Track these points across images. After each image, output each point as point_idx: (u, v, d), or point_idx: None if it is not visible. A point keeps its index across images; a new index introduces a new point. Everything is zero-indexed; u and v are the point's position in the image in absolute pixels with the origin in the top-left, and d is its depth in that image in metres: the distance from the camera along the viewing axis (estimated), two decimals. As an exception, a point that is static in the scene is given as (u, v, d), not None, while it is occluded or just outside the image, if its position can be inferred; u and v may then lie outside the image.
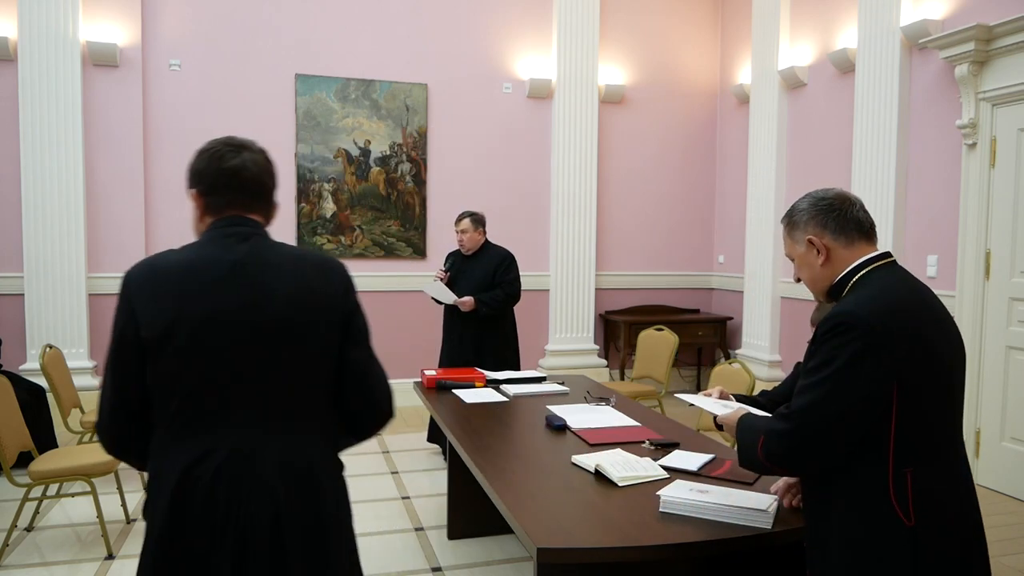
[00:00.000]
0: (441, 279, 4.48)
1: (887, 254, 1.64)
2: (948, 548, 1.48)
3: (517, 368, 4.50)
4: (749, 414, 1.73)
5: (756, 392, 3.09)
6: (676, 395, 2.29)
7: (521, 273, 4.56)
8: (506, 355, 4.48)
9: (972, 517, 1.54)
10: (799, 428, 1.51)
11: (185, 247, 1.48)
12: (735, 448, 1.73)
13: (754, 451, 1.58)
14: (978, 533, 1.55)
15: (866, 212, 1.67)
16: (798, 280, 1.75)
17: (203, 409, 1.36)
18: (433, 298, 4.51)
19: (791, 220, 1.70)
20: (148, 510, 1.39)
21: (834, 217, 1.63)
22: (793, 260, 1.72)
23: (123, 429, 1.42)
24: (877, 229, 1.75)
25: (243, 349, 1.37)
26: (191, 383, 1.36)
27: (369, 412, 1.52)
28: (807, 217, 1.65)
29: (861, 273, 1.60)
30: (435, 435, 4.72)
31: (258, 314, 1.38)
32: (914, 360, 1.48)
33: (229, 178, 1.51)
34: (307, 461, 1.41)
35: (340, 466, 1.51)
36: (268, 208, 1.63)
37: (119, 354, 1.40)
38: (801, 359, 2.33)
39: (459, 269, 4.54)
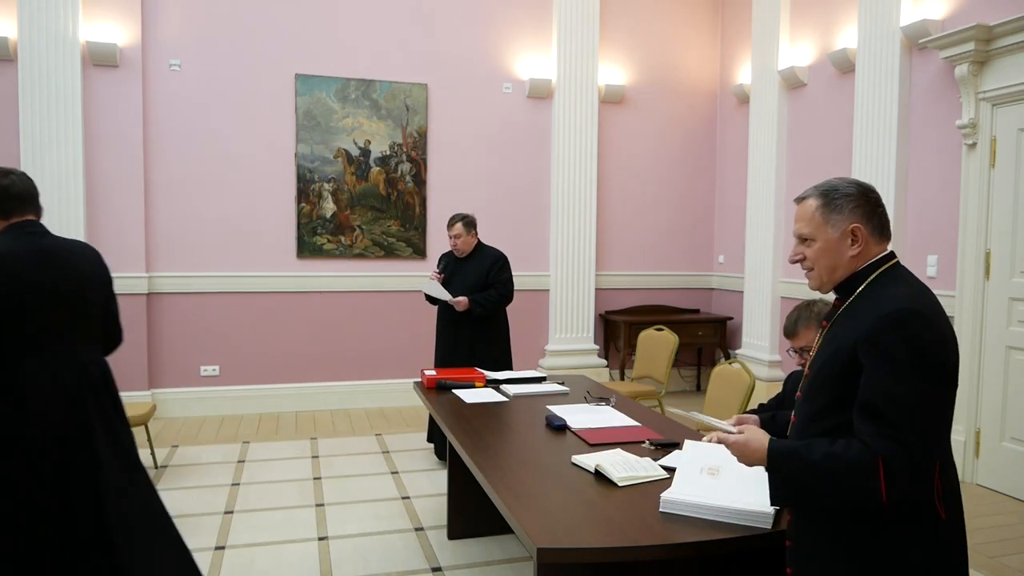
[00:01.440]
0: (436, 280, 4.49)
1: (893, 253, 1.62)
2: (963, 541, 1.54)
3: (510, 367, 4.51)
4: (780, 443, 1.54)
5: (751, 404, 3.08)
6: (670, 410, 2.19)
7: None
8: (499, 355, 4.49)
9: (961, 506, 1.59)
10: (914, 439, 1.38)
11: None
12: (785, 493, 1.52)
13: (867, 489, 1.39)
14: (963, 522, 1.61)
15: None
16: (796, 261, 1.66)
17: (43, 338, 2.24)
18: (427, 297, 4.52)
19: (831, 202, 1.58)
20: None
21: (880, 214, 1.59)
22: (807, 240, 1.62)
23: None
24: None
25: (61, 303, 2.26)
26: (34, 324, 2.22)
27: (115, 338, 2.58)
28: (854, 204, 1.57)
29: (877, 272, 1.57)
30: (434, 435, 4.72)
31: (68, 283, 2.28)
32: (954, 352, 1.50)
33: (8, 194, 2.25)
34: (100, 360, 2.42)
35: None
36: (38, 209, 2.35)
37: None
38: None
39: (453, 270, 4.54)
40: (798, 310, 2.47)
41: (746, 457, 1.57)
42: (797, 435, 1.61)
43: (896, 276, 1.56)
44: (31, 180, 2.33)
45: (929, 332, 1.43)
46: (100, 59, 5.25)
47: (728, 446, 1.60)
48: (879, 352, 1.42)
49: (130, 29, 5.37)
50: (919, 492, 1.44)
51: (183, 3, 5.54)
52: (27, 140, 5.05)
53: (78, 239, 2.54)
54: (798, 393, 1.66)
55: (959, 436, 4.31)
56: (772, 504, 1.58)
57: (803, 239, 1.63)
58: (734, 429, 1.64)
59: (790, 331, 2.46)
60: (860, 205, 1.57)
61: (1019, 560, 3.31)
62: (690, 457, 2.18)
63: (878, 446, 1.38)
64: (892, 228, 5.02)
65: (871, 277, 1.57)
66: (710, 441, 1.69)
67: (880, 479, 1.38)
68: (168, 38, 5.52)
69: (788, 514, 1.67)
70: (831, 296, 1.69)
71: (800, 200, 1.66)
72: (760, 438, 1.55)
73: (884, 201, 1.66)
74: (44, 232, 2.29)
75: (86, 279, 2.34)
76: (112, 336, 2.55)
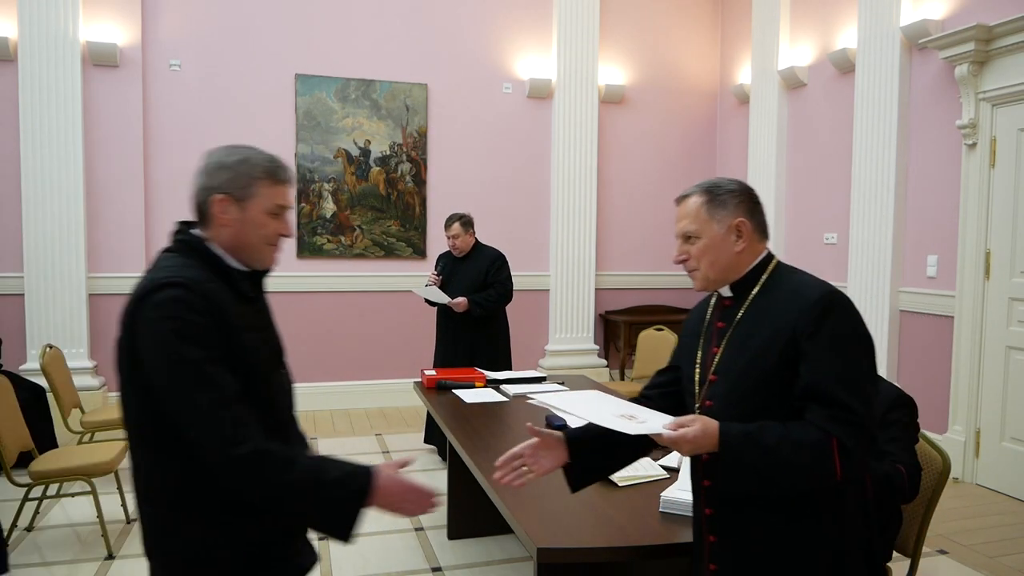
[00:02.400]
0: (434, 283, 4.48)
1: (772, 253, 1.64)
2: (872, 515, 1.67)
3: (509, 368, 4.51)
4: (731, 425, 1.43)
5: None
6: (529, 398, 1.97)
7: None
8: (498, 355, 4.50)
9: None
10: (869, 416, 1.40)
11: None
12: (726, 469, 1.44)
13: (822, 470, 1.39)
14: None
15: None
16: (681, 261, 1.63)
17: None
18: (425, 299, 4.52)
19: (716, 197, 1.58)
20: None
21: (760, 210, 1.61)
22: (691, 238, 1.59)
23: None
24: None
25: None
26: None
27: None
28: (738, 200, 1.58)
29: (771, 267, 1.59)
30: (431, 436, 4.72)
31: None
32: None
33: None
34: None
35: None
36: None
37: None
38: None
39: (451, 271, 4.54)
40: None
41: (697, 447, 1.42)
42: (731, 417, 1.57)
43: (792, 269, 1.59)
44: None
45: (856, 311, 1.47)
46: (100, 59, 5.25)
47: (676, 445, 1.42)
48: (821, 336, 1.42)
49: (130, 29, 5.36)
50: (865, 466, 1.50)
51: (183, 3, 5.54)
52: (27, 140, 5.05)
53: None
54: (707, 401, 1.56)
55: (959, 436, 4.32)
56: (723, 491, 1.50)
57: (687, 237, 1.60)
58: (674, 428, 1.43)
59: None
60: (744, 201, 1.58)
61: (1019, 560, 3.31)
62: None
63: (832, 428, 1.38)
64: (892, 228, 5.04)
65: (766, 274, 1.57)
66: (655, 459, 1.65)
67: (835, 460, 1.38)
68: (168, 38, 5.52)
69: (707, 508, 1.58)
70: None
71: (683, 198, 1.65)
72: (709, 423, 1.42)
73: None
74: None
75: None
76: None
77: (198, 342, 1.33)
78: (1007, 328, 4.13)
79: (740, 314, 1.57)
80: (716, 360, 1.57)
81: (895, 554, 2.31)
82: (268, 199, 1.47)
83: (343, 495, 1.36)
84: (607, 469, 1.72)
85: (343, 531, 1.36)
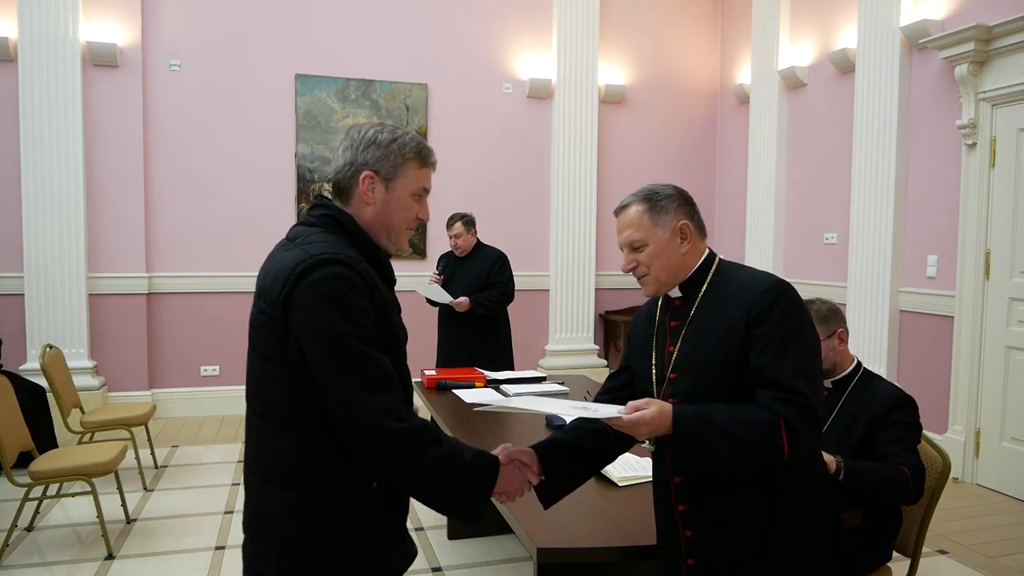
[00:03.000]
0: (436, 282, 4.48)
1: (713, 251, 1.68)
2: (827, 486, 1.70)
3: (511, 367, 4.51)
4: (685, 407, 1.47)
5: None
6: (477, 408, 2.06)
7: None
8: (500, 355, 4.49)
9: None
10: (814, 397, 1.46)
11: None
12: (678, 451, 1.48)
13: (769, 448, 1.43)
14: None
15: None
16: (630, 270, 1.65)
17: None
18: (427, 299, 4.51)
19: (656, 204, 1.61)
20: None
21: (696, 211, 1.65)
22: (638, 246, 1.61)
23: None
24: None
25: None
26: None
27: None
28: (677, 204, 1.62)
29: (715, 264, 1.63)
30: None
31: None
32: None
33: None
34: None
35: None
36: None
37: None
38: None
39: (453, 271, 4.53)
40: None
41: (653, 426, 1.45)
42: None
43: (735, 265, 1.65)
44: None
45: (800, 300, 1.54)
46: (100, 59, 5.25)
47: (635, 428, 1.46)
48: (769, 323, 1.48)
49: (130, 29, 5.36)
50: (813, 444, 1.54)
51: (183, 3, 5.54)
52: (27, 140, 5.05)
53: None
54: (670, 399, 1.56)
55: (959, 436, 4.32)
56: (677, 472, 1.57)
57: (634, 247, 1.63)
58: (624, 412, 1.47)
59: None
60: (682, 204, 1.62)
61: (1019, 560, 3.31)
62: None
63: (779, 408, 1.43)
64: (892, 228, 5.03)
65: (711, 271, 1.62)
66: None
67: (782, 438, 1.43)
68: (168, 38, 5.52)
69: (679, 505, 1.60)
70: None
71: (622, 208, 1.67)
72: (663, 405, 1.47)
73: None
74: None
75: None
76: None
77: (358, 321, 1.31)
78: (1007, 328, 4.13)
79: (692, 311, 1.61)
80: (674, 358, 1.61)
81: (895, 554, 2.31)
82: (415, 181, 1.49)
83: (479, 476, 1.40)
84: (577, 477, 1.74)
85: (473, 512, 1.40)
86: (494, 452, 1.52)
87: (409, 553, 1.53)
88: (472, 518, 1.41)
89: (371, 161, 1.43)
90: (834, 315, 2.36)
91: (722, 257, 1.67)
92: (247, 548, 1.47)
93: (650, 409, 1.44)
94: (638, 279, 1.66)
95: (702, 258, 1.63)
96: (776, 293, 1.50)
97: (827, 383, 2.35)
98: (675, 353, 1.60)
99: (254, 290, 1.47)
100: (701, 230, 1.64)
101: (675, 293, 1.66)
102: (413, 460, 1.33)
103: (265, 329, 1.36)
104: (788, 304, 1.50)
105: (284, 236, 1.51)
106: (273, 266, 1.40)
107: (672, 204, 1.61)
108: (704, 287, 1.61)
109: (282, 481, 1.38)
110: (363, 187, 1.43)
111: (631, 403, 1.47)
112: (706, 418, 1.44)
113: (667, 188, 1.64)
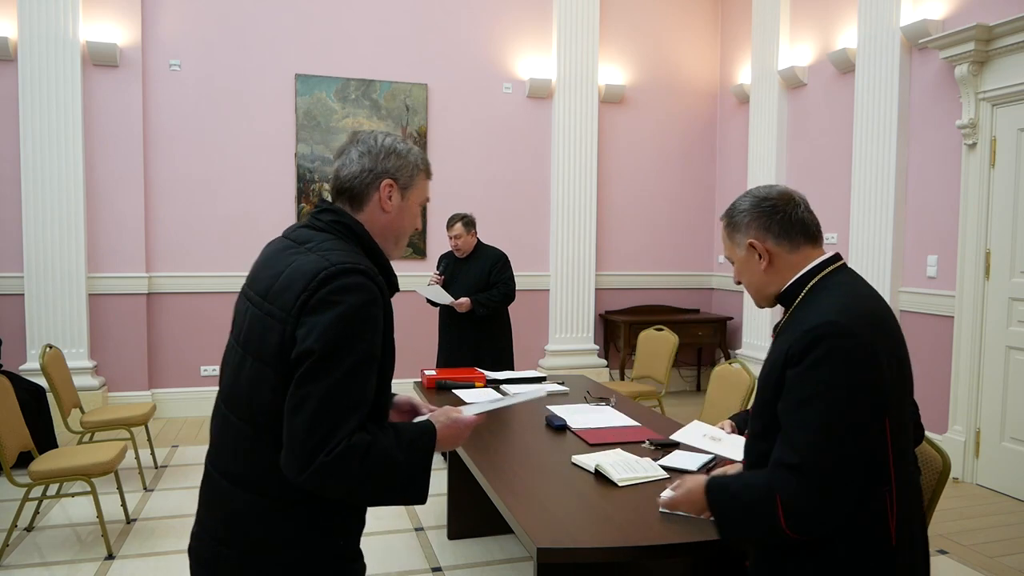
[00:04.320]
0: (436, 283, 4.47)
1: (838, 256, 1.54)
2: (917, 564, 1.47)
3: (511, 367, 4.51)
4: (715, 478, 1.51)
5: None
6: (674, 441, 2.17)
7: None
8: (502, 355, 4.49)
9: (924, 528, 1.53)
10: (821, 467, 1.31)
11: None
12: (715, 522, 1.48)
13: (769, 523, 1.35)
14: (927, 544, 1.53)
15: (811, 213, 1.56)
16: (739, 283, 1.63)
17: None
18: (428, 300, 4.51)
19: (731, 221, 1.56)
20: None
21: (778, 220, 1.51)
22: (733, 263, 1.60)
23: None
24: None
25: None
26: None
27: None
28: (748, 219, 1.53)
29: (816, 279, 1.49)
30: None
31: None
32: (892, 368, 1.39)
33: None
34: None
35: None
36: None
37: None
38: None
39: (453, 271, 4.53)
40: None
41: (693, 505, 1.54)
42: (747, 453, 1.57)
43: (831, 284, 1.48)
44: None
45: (850, 349, 1.33)
46: (100, 59, 5.24)
47: (675, 506, 1.60)
48: (802, 366, 1.35)
49: (130, 29, 5.36)
50: (833, 522, 1.35)
51: (183, 3, 5.54)
52: (27, 140, 5.05)
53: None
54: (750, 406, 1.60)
55: (959, 436, 4.32)
56: (721, 539, 1.51)
57: (731, 262, 1.62)
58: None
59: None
60: (754, 218, 1.52)
61: (1019, 560, 3.31)
62: (692, 457, 2.18)
63: (775, 478, 1.35)
64: (892, 228, 5.02)
65: (808, 285, 1.49)
66: (665, 507, 1.68)
67: (778, 513, 1.33)
68: (168, 38, 5.52)
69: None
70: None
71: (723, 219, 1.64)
72: (697, 482, 1.52)
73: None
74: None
75: None
76: None
77: (370, 339, 1.29)
78: (1007, 328, 4.13)
79: (780, 327, 1.53)
80: (759, 376, 1.54)
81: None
82: (422, 192, 1.52)
83: (416, 460, 1.32)
84: None
85: (421, 494, 1.33)
86: (424, 418, 1.45)
87: (362, 569, 1.49)
88: (420, 499, 1.34)
89: (392, 169, 1.45)
90: None
91: (837, 270, 1.50)
92: (209, 558, 1.39)
93: (679, 491, 1.51)
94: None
95: (801, 272, 1.50)
96: (816, 337, 1.35)
97: None
98: (760, 372, 1.53)
99: (246, 286, 1.45)
100: (786, 238, 1.50)
101: (783, 305, 1.57)
102: (344, 480, 1.25)
103: (270, 332, 1.31)
104: (825, 352, 1.33)
105: (282, 235, 1.48)
106: (283, 269, 1.35)
107: (744, 219, 1.53)
108: (795, 303, 1.50)
109: (256, 487, 1.34)
110: (383, 194, 1.44)
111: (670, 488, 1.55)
112: (726, 488, 1.45)
113: (744, 201, 1.56)
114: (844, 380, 1.32)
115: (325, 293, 1.27)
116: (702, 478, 1.52)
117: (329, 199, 1.51)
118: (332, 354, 1.25)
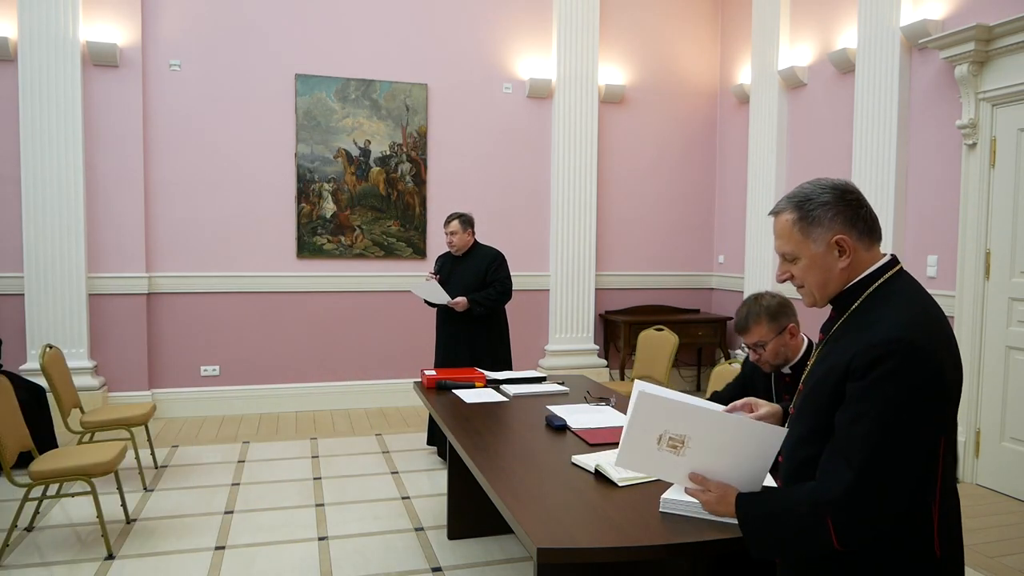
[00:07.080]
0: (431, 279, 4.48)
1: (896, 259, 1.48)
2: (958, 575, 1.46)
3: (510, 367, 4.51)
4: (745, 494, 1.52)
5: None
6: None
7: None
8: (499, 354, 4.50)
9: (962, 539, 1.52)
10: (877, 485, 1.28)
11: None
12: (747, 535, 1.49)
13: (817, 538, 1.34)
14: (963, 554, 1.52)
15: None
16: (785, 280, 1.53)
17: None
18: (425, 300, 4.51)
19: (808, 214, 1.43)
20: None
21: (862, 215, 1.43)
22: (791, 258, 1.48)
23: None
24: None
25: None
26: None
27: None
28: (833, 212, 1.42)
29: (877, 283, 1.43)
30: (434, 438, 4.72)
31: None
32: (954, 385, 1.36)
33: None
34: None
35: None
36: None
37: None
38: None
39: (450, 270, 4.54)
40: (747, 305, 2.45)
41: (717, 508, 1.64)
42: (787, 455, 1.53)
43: (896, 290, 1.42)
44: None
45: (918, 369, 1.29)
46: (100, 59, 5.25)
47: (703, 505, 1.68)
48: (864, 382, 1.31)
49: (130, 29, 5.36)
50: (884, 538, 1.34)
51: (183, 3, 5.54)
52: (27, 140, 5.05)
53: None
54: (791, 408, 1.57)
55: (959, 436, 4.32)
56: (753, 557, 1.48)
57: (787, 258, 1.50)
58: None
59: (741, 327, 2.44)
60: (840, 212, 1.42)
61: (1019, 560, 3.31)
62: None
63: (824, 491, 1.33)
64: (892, 228, 5.01)
65: (869, 289, 1.43)
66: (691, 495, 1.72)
67: (829, 529, 1.32)
68: (168, 38, 5.52)
69: None
70: (781, 287, 1.63)
71: (775, 214, 1.50)
72: (729, 494, 1.58)
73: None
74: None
75: None
76: None
77: None
78: (1007, 328, 4.13)
79: (834, 330, 1.47)
80: (807, 370, 1.51)
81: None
82: None
83: None
84: None
85: None
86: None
87: None
88: None
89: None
90: (784, 309, 2.36)
91: (898, 274, 1.46)
92: None
93: (710, 495, 1.57)
94: (796, 288, 1.53)
95: (865, 272, 1.44)
96: (883, 352, 1.29)
97: (786, 370, 2.38)
98: (810, 365, 1.50)
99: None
100: (868, 235, 1.44)
101: (834, 306, 1.52)
102: None
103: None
104: (891, 370, 1.28)
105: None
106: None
107: (827, 214, 1.42)
108: (855, 306, 1.44)
109: None
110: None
111: (698, 482, 1.62)
112: (763, 503, 1.47)
113: (824, 193, 1.44)
114: (908, 399, 1.29)
115: None
116: (733, 493, 1.57)
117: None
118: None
